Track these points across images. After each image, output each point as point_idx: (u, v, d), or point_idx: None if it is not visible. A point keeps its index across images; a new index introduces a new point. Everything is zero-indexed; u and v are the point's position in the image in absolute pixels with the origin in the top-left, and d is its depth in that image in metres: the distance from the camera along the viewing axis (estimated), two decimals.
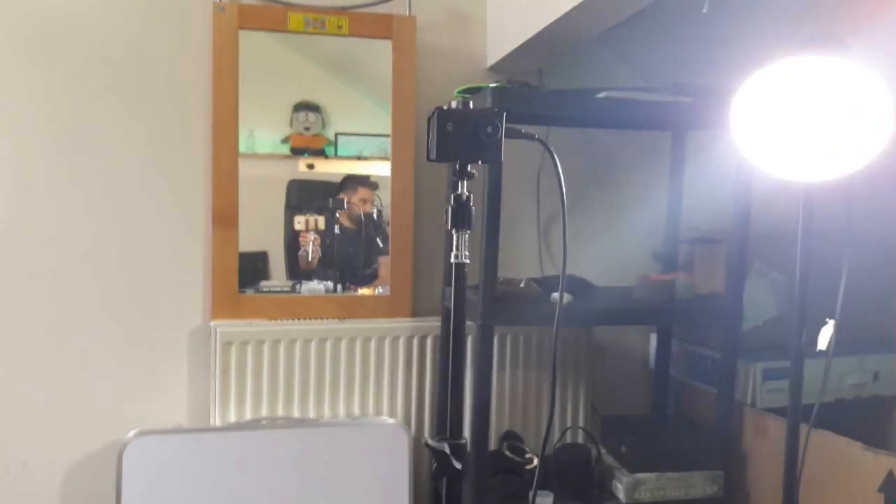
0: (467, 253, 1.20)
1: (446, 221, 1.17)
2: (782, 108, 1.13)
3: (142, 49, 2.04)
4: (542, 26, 1.91)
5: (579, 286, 2.11)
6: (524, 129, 1.21)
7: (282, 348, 2.09)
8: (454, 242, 1.19)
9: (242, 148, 2.11)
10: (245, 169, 2.11)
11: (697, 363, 2.34)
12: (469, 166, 1.18)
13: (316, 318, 2.15)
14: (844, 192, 1.15)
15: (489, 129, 1.14)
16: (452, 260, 1.19)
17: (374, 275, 2.31)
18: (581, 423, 2.31)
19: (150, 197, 2.08)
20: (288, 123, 2.22)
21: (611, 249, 2.40)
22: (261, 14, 2.07)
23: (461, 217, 1.16)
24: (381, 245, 2.32)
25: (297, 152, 2.24)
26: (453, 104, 1.17)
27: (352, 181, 2.30)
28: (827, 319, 1.20)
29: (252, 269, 2.19)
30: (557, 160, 1.21)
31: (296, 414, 2.11)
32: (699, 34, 2.04)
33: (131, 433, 1.91)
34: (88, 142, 2.02)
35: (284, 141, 2.22)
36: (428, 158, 1.18)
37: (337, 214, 2.27)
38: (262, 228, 2.23)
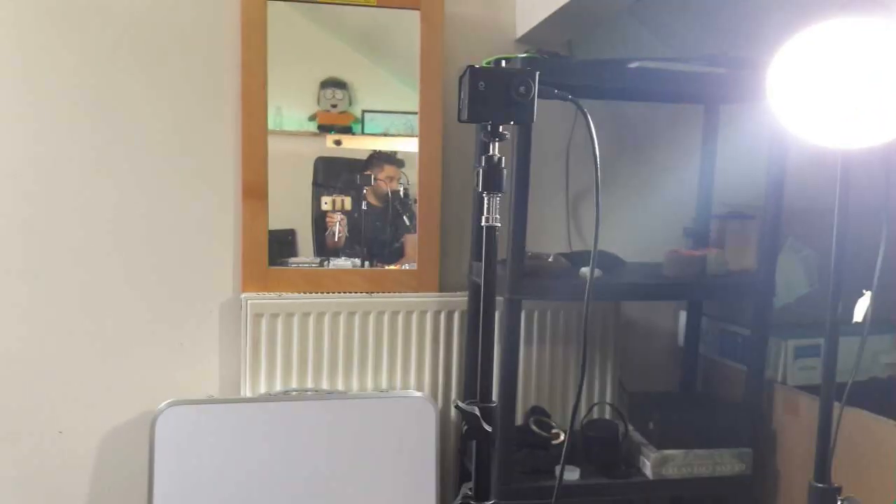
0: (498, 216, 1.20)
1: (476, 184, 1.16)
2: (821, 73, 1.09)
3: (170, 21, 2.04)
4: None
5: (608, 261, 2.09)
6: (556, 90, 1.19)
7: (311, 321, 2.11)
8: (485, 205, 1.18)
9: (270, 125, 2.11)
10: (273, 146, 2.11)
11: (728, 340, 2.32)
12: (501, 127, 1.16)
13: (344, 292, 2.16)
14: (883, 159, 1.12)
15: (522, 89, 1.13)
16: (483, 223, 1.18)
17: (400, 252, 2.31)
18: (608, 400, 2.30)
19: (181, 171, 2.09)
20: (315, 101, 2.21)
21: (641, 224, 2.37)
22: None
23: (493, 179, 1.15)
24: (407, 223, 2.32)
25: (324, 129, 2.23)
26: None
27: (378, 158, 2.30)
28: (864, 291, 1.17)
29: (280, 245, 2.20)
30: (592, 124, 1.19)
31: (325, 386, 2.13)
32: (732, 5, 1.99)
33: (163, 403, 1.95)
34: (118, 116, 2.04)
35: (312, 118, 2.22)
36: (459, 119, 1.17)
37: (364, 192, 2.27)
38: (290, 206, 2.23)
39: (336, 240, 2.25)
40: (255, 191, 2.09)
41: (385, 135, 2.31)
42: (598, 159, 1.19)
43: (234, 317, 2.14)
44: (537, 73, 1.15)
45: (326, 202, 2.22)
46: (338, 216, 2.24)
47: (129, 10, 2.02)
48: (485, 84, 1.13)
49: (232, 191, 2.12)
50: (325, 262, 2.25)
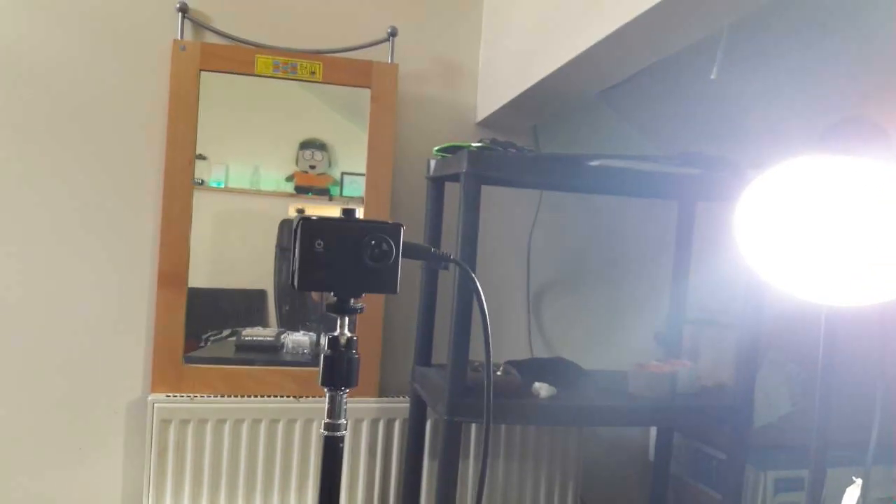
0: (344, 421, 0.90)
1: (319, 375, 0.90)
2: (799, 216, 0.89)
3: (101, 90, 1.85)
4: (534, 81, 1.70)
5: (566, 372, 1.86)
6: (434, 249, 0.94)
7: (227, 428, 1.85)
8: (327, 405, 0.90)
9: (246, 184, 2.05)
10: (248, 205, 2.06)
11: (701, 462, 2.07)
12: (353, 300, 0.88)
13: (268, 395, 1.91)
14: (878, 319, 0.91)
15: (384, 247, 0.84)
16: (322, 431, 0.89)
17: None
18: None
19: (92, 252, 1.87)
20: (294, 161, 2.13)
21: (607, 325, 2.16)
22: (226, 55, 1.88)
23: (338, 372, 0.86)
24: None
25: (301, 191, 2.15)
26: (331, 222, 0.87)
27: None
28: (854, 478, 0.95)
29: (248, 309, 2.12)
30: (480, 288, 0.94)
31: None
32: (707, 97, 1.82)
33: None
34: (34, 188, 1.83)
35: (289, 179, 2.13)
36: (291, 284, 0.86)
37: None
38: (260, 267, 2.12)
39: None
40: (173, 278, 1.86)
41: (363, 198, 2.17)
42: (488, 329, 0.95)
43: (141, 421, 1.88)
44: (402, 228, 0.88)
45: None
46: None
47: (53, 80, 1.83)
48: (324, 242, 0.84)
49: (147, 278, 1.88)
50: (283, 336, 2.11)
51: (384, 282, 0.85)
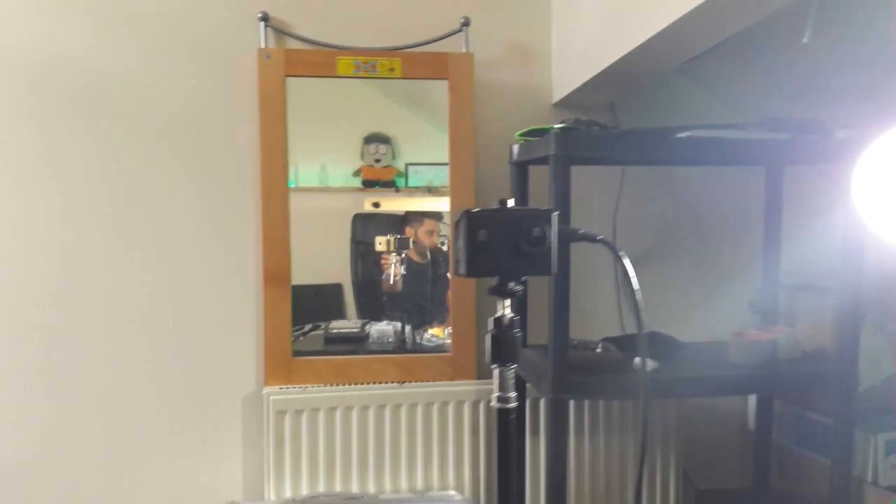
0: (514, 394, 0.98)
1: (486, 352, 0.97)
2: None
3: (190, 104, 1.95)
4: (613, 59, 1.70)
5: (665, 345, 1.87)
6: (582, 230, 1.00)
7: (338, 416, 1.94)
8: (495, 380, 0.97)
9: (315, 182, 2.08)
10: (318, 202, 2.08)
11: (805, 429, 2.05)
12: (510, 284, 0.94)
13: (374, 383, 2.00)
14: None
15: (535, 233, 0.91)
16: (493, 404, 0.97)
17: (445, 311, 2.19)
18: (672, 498, 2.05)
19: (201, 259, 1.98)
20: (359, 156, 2.17)
21: (700, 298, 2.15)
22: (309, 59, 1.95)
23: (504, 349, 0.93)
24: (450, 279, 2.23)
25: (368, 184, 2.20)
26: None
27: (416, 213, 2.24)
28: None
29: (325, 304, 2.16)
30: (629, 265, 0.98)
31: (354, 488, 1.95)
32: (793, 63, 1.78)
33: None
34: (142, 202, 1.95)
35: (356, 174, 2.18)
36: (457, 274, 0.95)
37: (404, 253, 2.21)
38: (335, 262, 2.19)
39: (392, 283, 2.18)
40: (277, 278, 1.95)
41: (429, 189, 2.25)
42: (640, 306, 0.99)
43: (256, 413, 1.99)
44: (555, 214, 0.94)
45: (381, 242, 2.16)
46: (393, 257, 2.17)
47: (147, 95, 1.93)
48: (486, 233, 0.91)
49: (254, 279, 1.98)
50: (367, 326, 2.19)
51: (541, 264, 0.92)
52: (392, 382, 2.00)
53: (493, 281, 0.96)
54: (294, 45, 1.97)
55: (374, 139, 2.19)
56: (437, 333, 2.20)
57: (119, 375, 1.95)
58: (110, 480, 1.95)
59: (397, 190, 2.23)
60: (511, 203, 0.92)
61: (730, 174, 2.14)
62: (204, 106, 1.95)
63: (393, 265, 2.17)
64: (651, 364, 1.71)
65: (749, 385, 1.86)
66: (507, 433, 0.99)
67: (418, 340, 2.20)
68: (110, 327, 1.94)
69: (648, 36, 1.53)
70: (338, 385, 1.98)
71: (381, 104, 2.17)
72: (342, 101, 2.10)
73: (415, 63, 1.97)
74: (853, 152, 1.52)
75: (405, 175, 2.22)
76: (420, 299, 2.25)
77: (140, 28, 1.91)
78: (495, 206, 0.92)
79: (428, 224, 2.23)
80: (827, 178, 1.89)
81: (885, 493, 1.78)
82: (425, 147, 2.25)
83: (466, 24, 1.98)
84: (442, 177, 2.20)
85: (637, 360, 1.74)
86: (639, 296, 0.98)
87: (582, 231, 1.00)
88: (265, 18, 1.93)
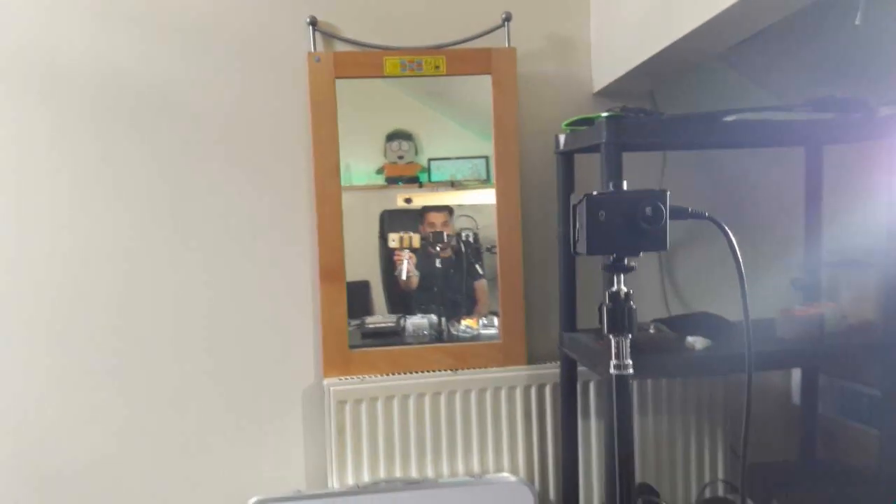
0: (629, 362, 1.06)
1: (600, 321, 1.03)
2: None
3: (244, 108, 2.01)
4: (657, 49, 1.76)
5: (715, 325, 1.91)
6: (690, 208, 1.08)
7: (395, 404, 2.01)
8: (613, 349, 1.05)
9: (341, 182, 2.09)
10: (346, 201, 2.07)
11: (851, 400, 2.10)
12: (626, 259, 1.02)
13: (428, 371, 2.06)
14: None
15: (649, 211, 0.99)
16: (612, 371, 1.05)
17: (473, 300, 2.28)
18: (721, 474, 2.11)
19: (258, 258, 2.04)
20: (382, 153, 2.23)
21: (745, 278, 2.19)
22: (357, 61, 2.01)
23: (620, 320, 1.01)
24: (479, 271, 2.30)
25: (391, 181, 2.25)
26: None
27: (434, 207, 2.30)
28: None
29: (356, 301, 2.15)
30: (734, 239, 1.06)
31: (413, 473, 2.02)
32: (832, 44, 1.82)
33: (251, 501, 1.88)
34: (198, 205, 2.01)
35: (379, 171, 2.23)
36: (575, 252, 1.03)
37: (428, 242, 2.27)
38: (361, 259, 2.21)
39: (405, 278, 2.22)
40: (332, 274, 2.02)
41: (452, 184, 2.30)
42: (744, 282, 1.04)
43: (316, 404, 2.06)
44: (667, 194, 1.02)
45: (394, 239, 2.20)
46: (406, 253, 2.21)
47: (201, 100, 1.99)
48: (605, 213, 0.99)
49: (309, 275, 2.05)
50: (402, 320, 2.23)
51: (657, 241, 1.00)
52: (446, 370, 2.06)
53: (608, 259, 1.04)
54: (342, 47, 2.03)
55: (396, 136, 2.24)
56: (470, 324, 2.26)
57: (185, 374, 2.02)
58: (180, 475, 2.03)
59: (421, 185, 2.27)
60: (625, 186, 0.98)
61: (769, 155, 2.18)
62: (257, 109, 2.01)
63: (406, 261, 2.21)
64: (703, 342, 1.77)
65: (798, 359, 1.91)
66: (624, 398, 1.08)
67: (453, 332, 2.25)
68: (177, 328, 2.02)
69: (690, 28, 1.58)
70: (394, 374, 2.04)
71: (401, 102, 2.22)
72: (363, 101, 2.12)
73: (459, 59, 2.02)
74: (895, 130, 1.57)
75: (428, 170, 2.27)
76: (449, 291, 2.29)
77: (192, 37, 1.97)
78: (609, 189, 0.99)
79: (432, 217, 2.28)
80: (867, 156, 1.93)
81: None
82: (447, 141, 2.31)
83: (508, 19, 2.03)
84: (465, 170, 2.27)
85: (689, 339, 1.80)
86: (742, 271, 1.04)
87: (692, 209, 1.08)
88: (313, 23, 1.99)
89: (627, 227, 0.99)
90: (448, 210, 2.29)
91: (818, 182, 2.08)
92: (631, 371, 1.07)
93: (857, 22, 1.34)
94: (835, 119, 1.73)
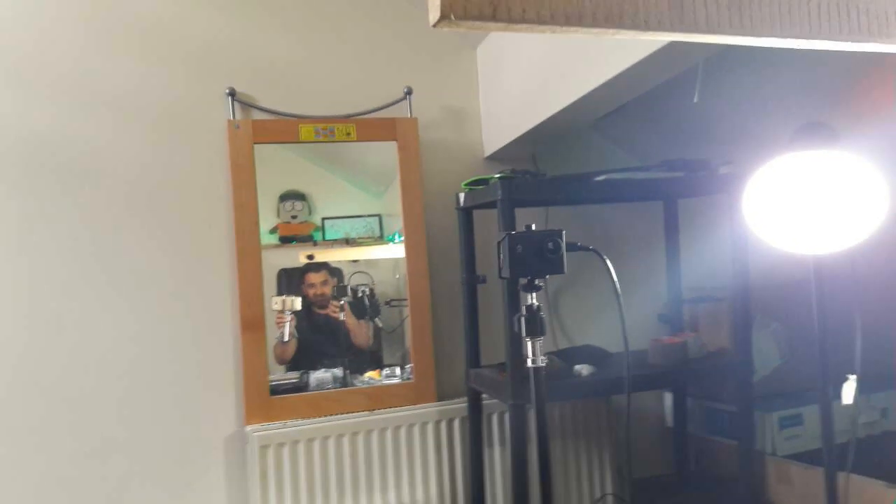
0: (543, 358, 1.31)
1: (518, 329, 1.27)
2: (790, 195, 1.27)
3: (167, 171, 2.13)
4: (537, 121, 2.07)
5: (596, 355, 2.21)
6: (578, 243, 1.38)
7: (316, 446, 2.13)
8: (529, 349, 1.29)
9: None
10: None
11: (714, 418, 2.43)
12: (536, 280, 1.29)
13: (346, 413, 2.21)
14: (849, 260, 1.28)
15: (551, 245, 1.27)
16: (530, 364, 1.29)
17: (368, 354, 2.39)
18: (610, 489, 2.37)
19: (177, 312, 2.14)
20: (276, 213, 2.32)
21: (617, 315, 2.51)
22: (274, 128, 2.20)
23: (535, 326, 1.27)
24: (379, 324, 2.43)
25: (285, 240, 2.34)
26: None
27: (308, 267, 2.39)
28: (847, 376, 1.31)
29: None
30: (611, 267, 1.33)
31: None
32: (685, 112, 2.22)
33: None
34: (117, 265, 2.09)
35: (273, 231, 2.31)
36: (500, 276, 1.29)
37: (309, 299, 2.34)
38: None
39: (285, 341, 2.27)
40: (253, 324, 2.15)
41: (346, 238, 2.41)
42: (620, 296, 1.32)
43: (238, 451, 2.15)
44: (563, 232, 1.33)
45: (276, 303, 2.25)
46: (287, 315, 2.27)
47: (123, 170, 2.10)
48: (521, 247, 1.28)
49: (229, 326, 2.17)
50: (304, 375, 2.31)
51: (557, 266, 1.28)
52: (363, 411, 2.22)
53: (524, 281, 1.33)
54: (259, 115, 2.21)
55: (289, 196, 2.35)
56: (373, 376, 2.41)
57: (108, 427, 2.06)
58: None
59: (315, 243, 2.38)
60: (534, 227, 1.25)
61: (633, 209, 2.54)
62: (180, 172, 2.15)
63: (287, 323, 2.27)
64: (589, 369, 2.04)
65: (667, 381, 2.23)
66: (541, 387, 1.33)
67: (357, 384, 2.33)
68: (98, 382, 2.06)
69: (566, 104, 1.90)
70: (314, 418, 2.17)
71: (294, 163, 2.35)
72: (257, 163, 2.18)
73: (368, 127, 2.26)
74: (733, 185, 1.94)
75: (322, 229, 2.39)
76: (344, 347, 2.37)
77: (117, 105, 2.09)
78: (523, 229, 1.29)
79: (322, 275, 2.38)
80: (713, 206, 2.32)
81: (783, 461, 2.17)
82: (340, 201, 2.45)
83: (410, 92, 2.30)
84: (358, 228, 2.40)
85: (577, 366, 2.07)
86: (620, 299, 1.31)
87: (580, 243, 1.39)
88: (232, 93, 2.17)
89: (537, 257, 1.29)
90: (327, 268, 2.39)
91: (675, 230, 2.46)
92: (543, 365, 1.30)
93: (695, 99, 1.70)
94: (684, 177, 2.10)
